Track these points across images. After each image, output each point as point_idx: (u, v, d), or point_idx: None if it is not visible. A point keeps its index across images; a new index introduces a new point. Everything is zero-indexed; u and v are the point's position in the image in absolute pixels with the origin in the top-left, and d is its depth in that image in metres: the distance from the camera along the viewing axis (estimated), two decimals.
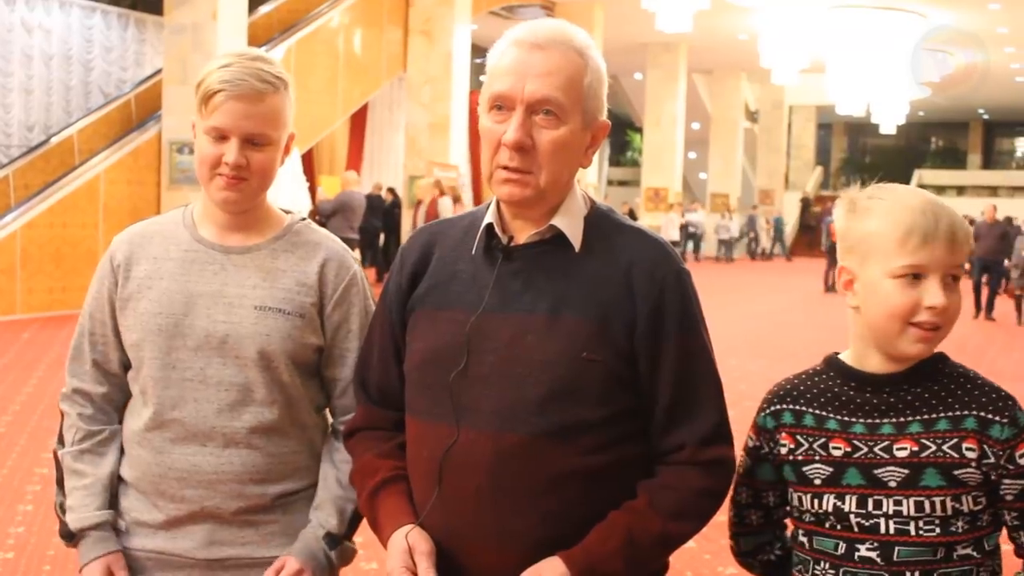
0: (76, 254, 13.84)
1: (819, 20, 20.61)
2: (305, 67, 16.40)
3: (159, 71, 16.30)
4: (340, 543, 2.04)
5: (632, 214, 25.91)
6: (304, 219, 2.14)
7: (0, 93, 17.10)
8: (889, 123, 33.55)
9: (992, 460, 1.68)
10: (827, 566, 1.77)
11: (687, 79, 29.26)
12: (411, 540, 1.72)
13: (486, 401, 1.72)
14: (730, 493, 1.86)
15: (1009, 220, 21.75)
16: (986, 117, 47.80)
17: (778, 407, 1.84)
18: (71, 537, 2.07)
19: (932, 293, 1.69)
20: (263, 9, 17.52)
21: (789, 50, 22.24)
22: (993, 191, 41.92)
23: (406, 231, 16.68)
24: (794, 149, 41.50)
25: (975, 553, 1.72)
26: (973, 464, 1.68)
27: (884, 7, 21.54)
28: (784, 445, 1.81)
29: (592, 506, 1.71)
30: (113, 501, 2.09)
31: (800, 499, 1.81)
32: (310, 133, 16.94)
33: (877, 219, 1.73)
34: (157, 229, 2.09)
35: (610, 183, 42.22)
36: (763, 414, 1.86)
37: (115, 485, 2.09)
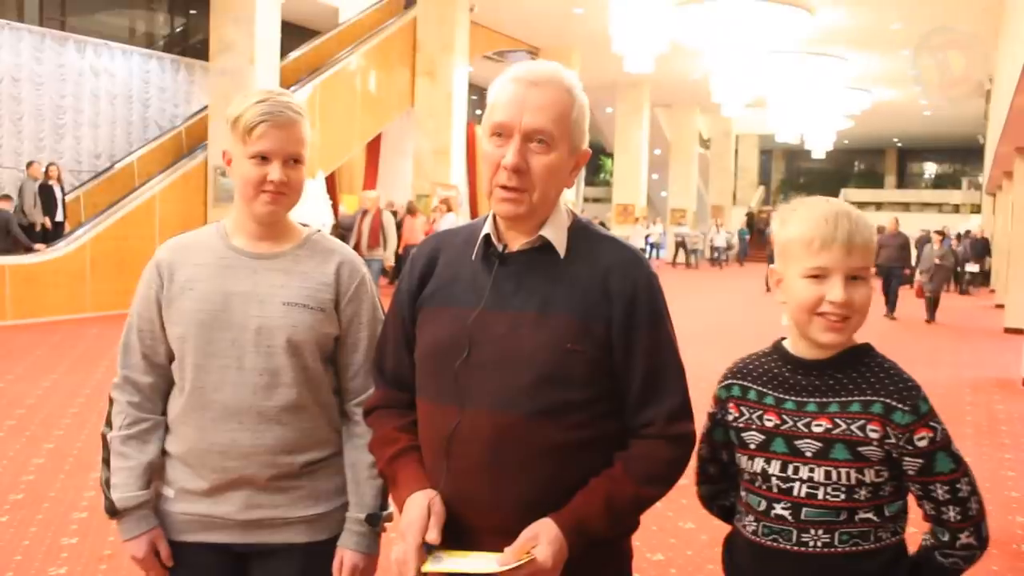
0: (136, 262, 13.74)
1: (761, 62, 20.65)
2: (328, 103, 16.38)
3: (205, 107, 16.31)
4: (380, 515, 2.05)
5: (604, 225, 25.92)
6: (319, 231, 2.15)
7: (73, 127, 17.03)
8: (819, 149, 33.61)
9: (893, 441, 1.69)
10: (752, 519, 1.81)
11: (650, 112, 29.29)
12: (429, 500, 1.72)
13: (486, 386, 1.72)
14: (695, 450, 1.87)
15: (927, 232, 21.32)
16: (899, 145, 47.93)
17: (731, 381, 1.87)
18: (115, 513, 2.06)
19: (833, 290, 1.71)
20: (292, 55, 17.51)
21: (736, 88, 22.25)
22: (906, 207, 42.03)
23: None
24: (740, 171, 41.53)
25: (875, 517, 1.73)
26: (875, 443, 1.69)
27: (814, 52, 21.60)
28: (731, 413, 1.84)
29: (577, 473, 1.71)
30: (156, 478, 2.08)
31: (740, 460, 1.83)
32: (332, 158, 16.93)
33: (793, 227, 1.76)
34: (194, 240, 2.10)
35: (586, 200, 42.21)
36: (720, 386, 1.88)
37: (156, 468, 2.07)
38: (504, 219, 1.79)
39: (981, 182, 26.41)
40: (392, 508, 2.06)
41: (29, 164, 14.19)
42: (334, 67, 16.95)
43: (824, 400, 1.73)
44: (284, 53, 15.84)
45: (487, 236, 1.81)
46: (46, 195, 13.88)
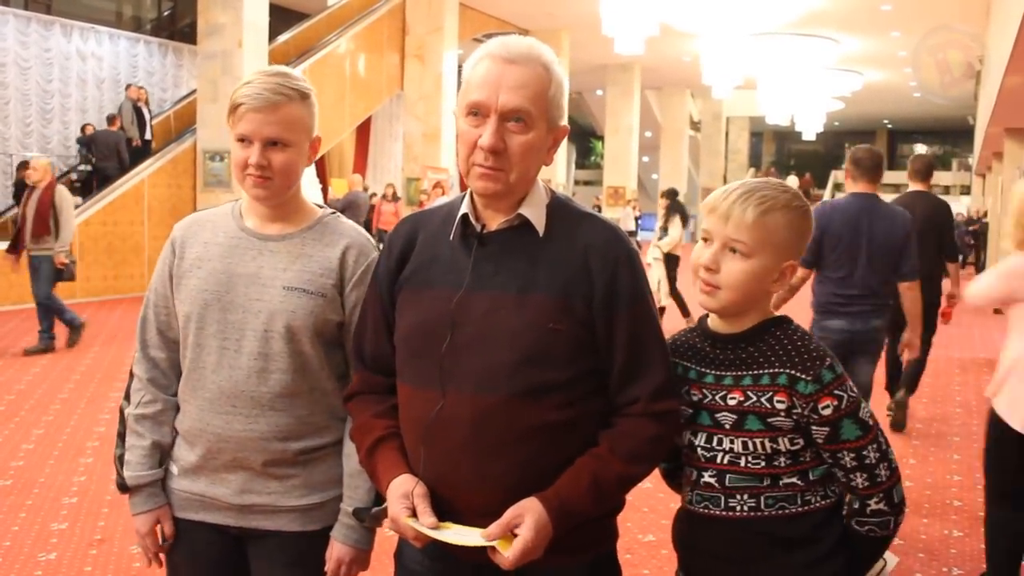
0: (125, 247, 13.76)
1: (751, 44, 20.58)
2: (317, 86, 15.77)
3: (194, 91, 16.21)
4: (369, 510, 2.02)
5: (599, 208, 25.91)
6: (334, 213, 2.12)
7: (60, 112, 16.94)
8: (810, 131, 33.60)
9: (799, 410, 1.71)
10: (689, 488, 1.86)
11: (641, 95, 29.21)
12: (410, 486, 1.71)
13: (467, 367, 1.70)
14: None
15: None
16: (890, 126, 47.97)
17: None
18: (126, 488, 2.08)
19: (705, 254, 1.78)
20: (281, 38, 17.41)
21: (726, 70, 22.20)
22: (896, 188, 42.03)
23: None
24: (731, 154, 41.43)
25: (799, 481, 1.77)
26: (783, 413, 1.72)
27: (804, 34, 21.56)
28: None
29: (560, 453, 1.70)
30: (166, 456, 2.10)
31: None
32: (322, 142, 16.85)
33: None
34: (210, 218, 2.10)
35: (576, 183, 42.23)
36: None
37: (167, 448, 2.09)
38: (482, 197, 1.77)
39: (971, 163, 26.39)
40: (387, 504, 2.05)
41: (128, 87, 16.30)
42: (323, 50, 16.84)
43: (739, 373, 1.77)
44: (272, 36, 15.74)
45: (465, 216, 1.78)
46: (138, 115, 15.61)
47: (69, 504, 4.88)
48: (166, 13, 19.80)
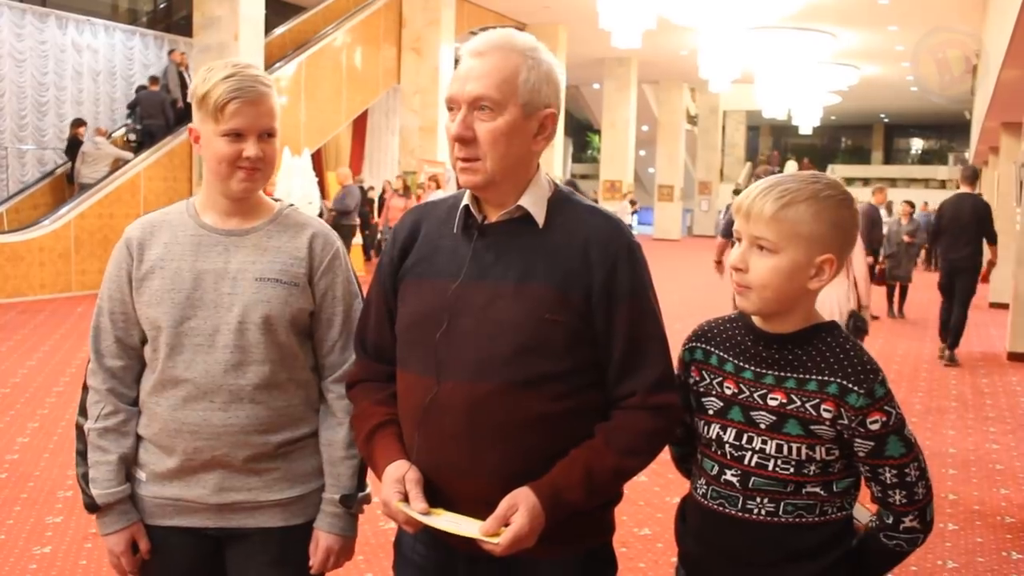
0: None
1: (748, 38, 20.52)
2: (313, 80, 16.28)
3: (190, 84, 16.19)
4: (355, 496, 2.02)
5: (596, 200, 25.87)
6: (291, 204, 2.11)
7: (55, 104, 16.87)
8: (806, 125, 33.57)
9: (846, 422, 1.67)
10: (704, 482, 1.81)
11: (638, 88, 29.19)
12: (403, 471, 1.72)
13: (464, 356, 1.70)
14: None
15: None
16: (886, 120, 47.94)
17: (694, 344, 1.86)
18: (95, 508, 2.01)
19: (734, 254, 1.74)
20: (277, 31, 17.37)
21: (723, 64, 22.15)
22: (892, 182, 41.96)
23: None
24: (728, 147, 41.44)
25: (822, 492, 1.73)
26: (827, 423, 1.68)
27: (801, 27, 21.53)
28: (692, 377, 1.84)
29: (556, 445, 1.70)
30: (131, 472, 2.03)
31: (697, 424, 1.83)
32: (318, 136, 16.83)
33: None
34: (164, 219, 2.05)
35: (573, 176, 42.15)
36: (684, 348, 1.88)
37: (133, 458, 2.03)
38: (471, 190, 1.78)
39: (967, 157, 26.38)
40: (369, 489, 2.03)
41: (171, 52, 16.76)
42: (319, 43, 16.81)
43: (782, 374, 1.72)
44: (269, 29, 15.71)
45: (467, 207, 1.79)
46: (180, 78, 16.00)
47: (64, 498, 4.86)
48: (162, 5, 19.73)
